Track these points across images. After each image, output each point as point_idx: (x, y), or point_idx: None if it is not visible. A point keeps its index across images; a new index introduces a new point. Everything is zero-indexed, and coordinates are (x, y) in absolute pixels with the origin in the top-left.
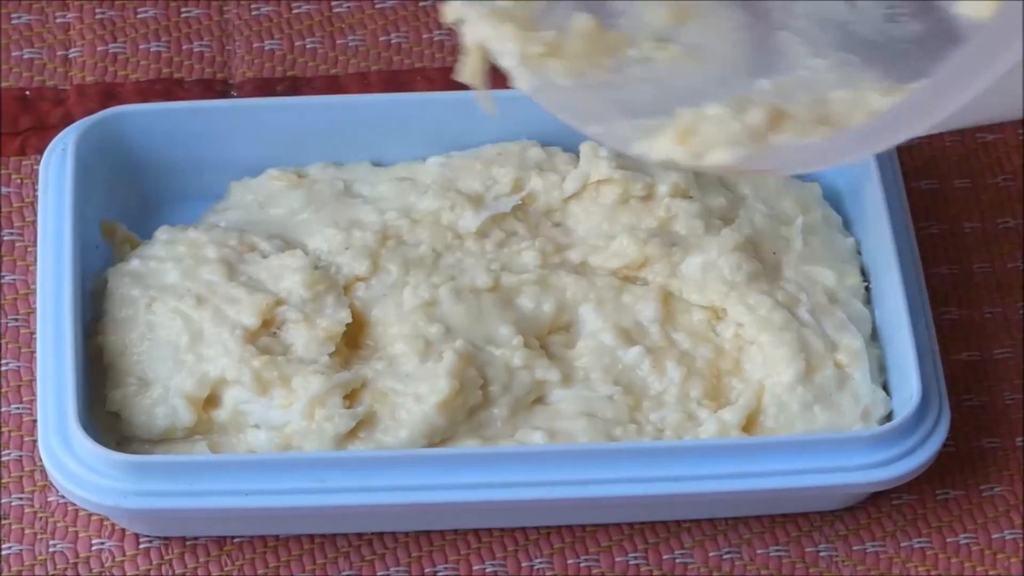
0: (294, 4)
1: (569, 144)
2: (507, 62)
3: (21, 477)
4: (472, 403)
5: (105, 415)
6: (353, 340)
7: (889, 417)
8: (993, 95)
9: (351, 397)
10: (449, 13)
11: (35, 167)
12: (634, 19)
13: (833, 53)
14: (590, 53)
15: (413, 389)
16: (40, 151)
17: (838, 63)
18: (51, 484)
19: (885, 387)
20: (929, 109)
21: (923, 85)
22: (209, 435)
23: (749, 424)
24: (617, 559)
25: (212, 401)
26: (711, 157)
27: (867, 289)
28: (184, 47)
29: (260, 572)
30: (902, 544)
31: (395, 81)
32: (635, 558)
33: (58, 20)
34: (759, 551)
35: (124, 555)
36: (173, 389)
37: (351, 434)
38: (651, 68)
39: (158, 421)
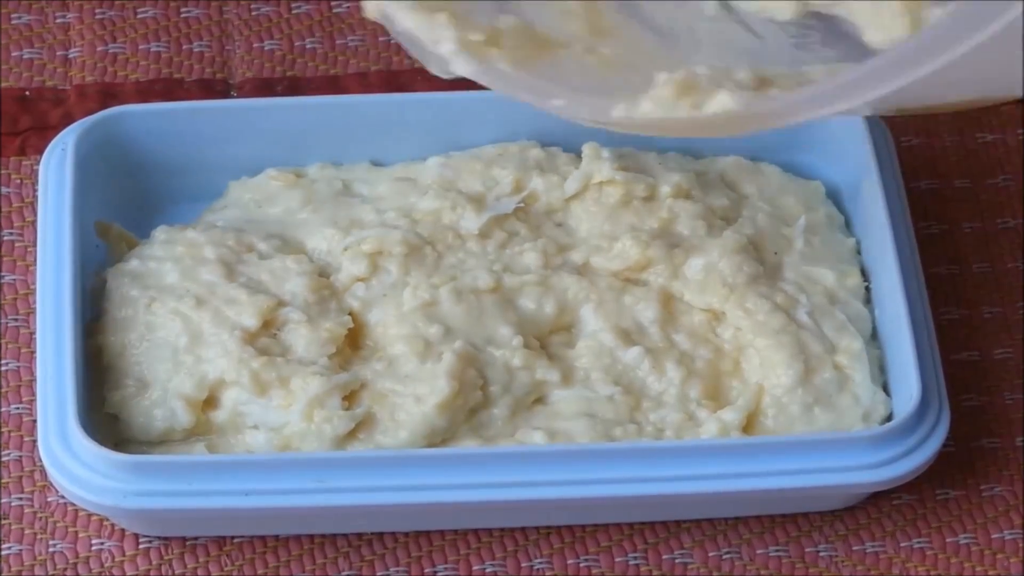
0: (294, 4)
1: (569, 144)
2: (445, 48)
3: (21, 477)
4: (472, 404)
5: (104, 416)
6: (353, 341)
7: (889, 417)
8: (980, 59)
9: (350, 398)
10: (371, 11)
11: (35, 167)
12: (553, 28)
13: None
14: (525, 48)
15: (412, 390)
16: (40, 151)
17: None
18: (51, 484)
19: (885, 387)
20: (930, 51)
21: (930, 26)
22: (207, 436)
23: (749, 425)
24: (617, 559)
25: (211, 402)
26: (715, 104)
27: (867, 289)
28: (184, 47)
29: (260, 572)
30: (902, 544)
31: (395, 81)
32: (635, 558)
33: (58, 20)
34: (759, 551)
35: (124, 555)
36: (172, 391)
37: (350, 435)
38: (585, 66)
39: (156, 423)
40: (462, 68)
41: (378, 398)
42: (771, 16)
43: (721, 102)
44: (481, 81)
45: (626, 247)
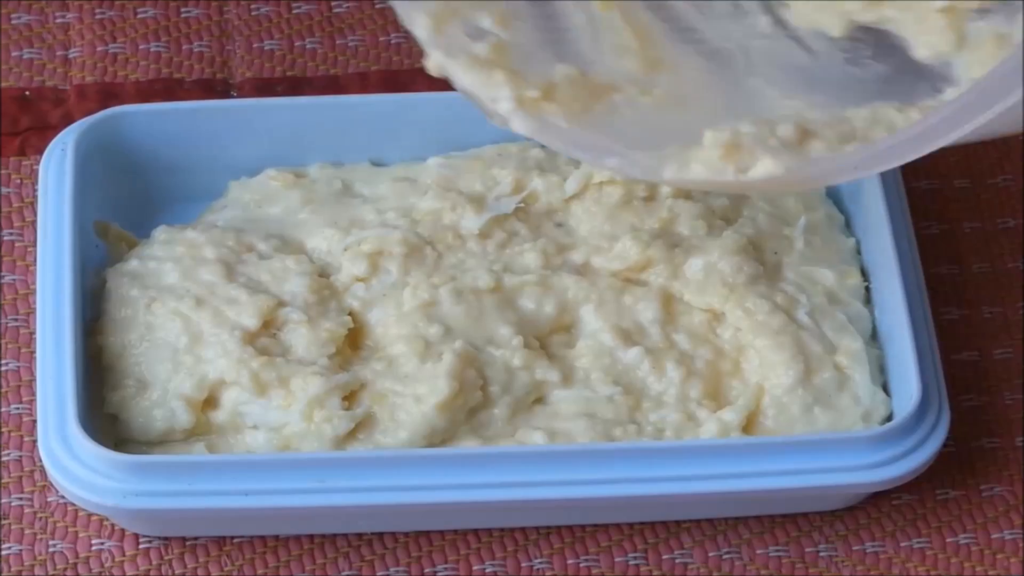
0: (294, 4)
1: None
2: (503, 107)
3: (21, 477)
4: (472, 404)
5: (104, 416)
6: (353, 341)
7: (889, 418)
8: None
9: (350, 398)
10: (433, 69)
11: (35, 167)
12: (608, 68)
13: (804, 95)
14: (580, 98)
15: (412, 390)
16: (40, 151)
17: (810, 103)
18: (51, 484)
19: (885, 387)
20: (970, 115)
21: (962, 96)
22: (207, 437)
23: (749, 425)
24: (617, 559)
25: (210, 403)
26: (758, 169)
27: (867, 289)
28: (184, 47)
29: (260, 572)
30: (902, 544)
31: (395, 81)
32: (635, 558)
33: (58, 20)
34: (759, 551)
35: (124, 555)
36: (172, 391)
37: (350, 435)
38: (639, 110)
39: (156, 423)
40: (520, 126)
41: (378, 398)
42: (823, 31)
43: (765, 167)
44: (539, 140)
45: (626, 247)
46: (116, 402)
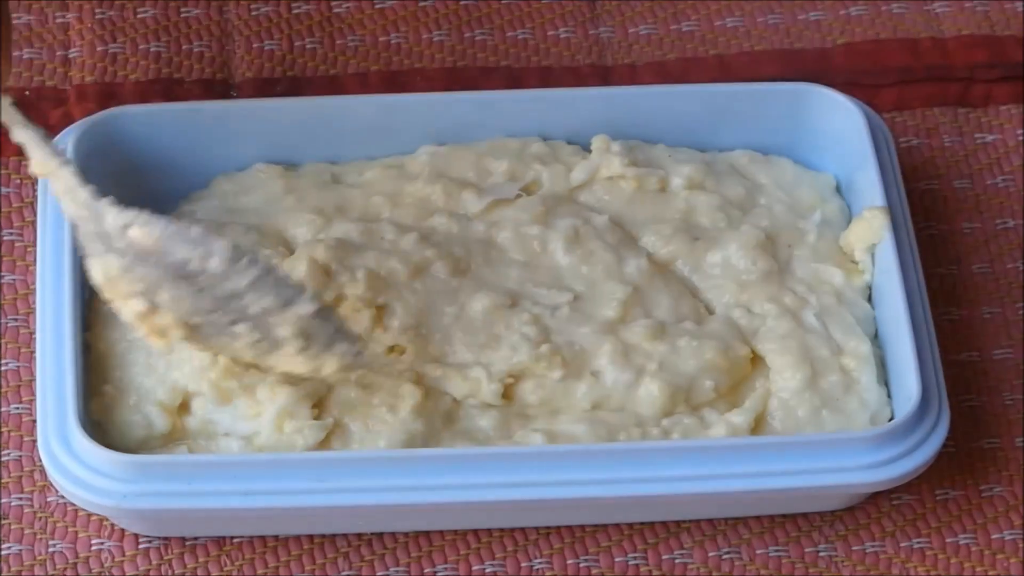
0: (294, 4)
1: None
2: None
3: (21, 477)
4: (444, 408)
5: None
6: None
7: (890, 418)
8: None
9: (319, 405)
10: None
11: None
12: None
13: None
14: None
15: (383, 399)
16: None
17: None
18: (51, 484)
19: (885, 387)
20: None
21: None
22: (185, 441)
23: (756, 428)
24: (617, 559)
25: (185, 408)
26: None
27: (869, 289)
28: (184, 47)
29: (260, 572)
30: (902, 544)
31: (395, 81)
32: (635, 558)
33: (58, 20)
34: (759, 551)
35: (124, 555)
36: (147, 397)
37: (323, 445)
38: None
39: (135, 430)
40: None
41: (347, 408)
42: None
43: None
44: None
45: (649, 243)
46: (96, 409)
